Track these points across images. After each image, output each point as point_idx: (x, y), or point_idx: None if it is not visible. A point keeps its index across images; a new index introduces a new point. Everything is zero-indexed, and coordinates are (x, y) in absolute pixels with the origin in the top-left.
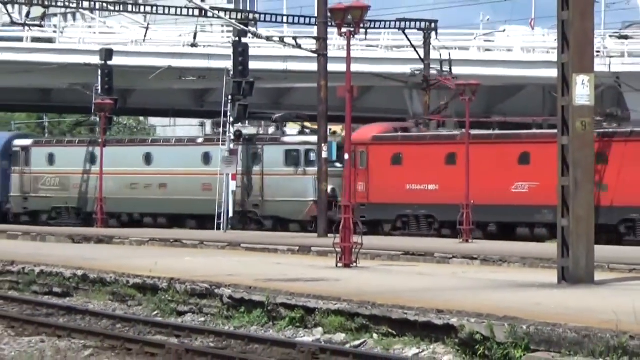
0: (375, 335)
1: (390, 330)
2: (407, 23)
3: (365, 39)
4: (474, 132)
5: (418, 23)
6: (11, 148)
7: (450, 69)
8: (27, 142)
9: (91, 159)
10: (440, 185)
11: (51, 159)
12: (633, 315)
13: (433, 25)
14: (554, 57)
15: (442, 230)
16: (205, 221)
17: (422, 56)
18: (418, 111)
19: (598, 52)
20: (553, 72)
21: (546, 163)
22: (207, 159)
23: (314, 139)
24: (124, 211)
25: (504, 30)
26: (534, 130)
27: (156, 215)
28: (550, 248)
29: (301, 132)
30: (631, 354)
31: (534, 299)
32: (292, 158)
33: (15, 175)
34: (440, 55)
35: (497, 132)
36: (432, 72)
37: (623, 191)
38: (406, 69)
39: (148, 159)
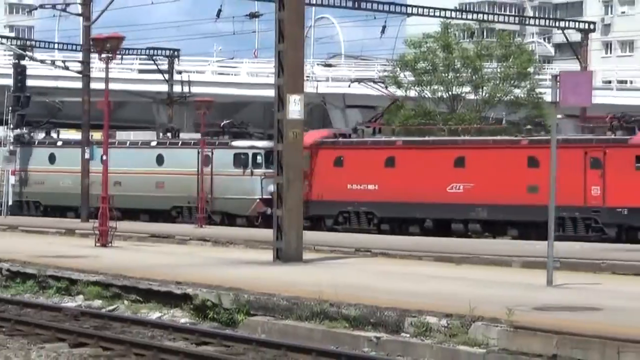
0: (126, 302)
1: (138, 298)
2: (155, 51)
3: (121, 63)
4: (414, 138)
5: (164, 51)
6: None
7: (190, 88)
8: None
9: None
10: (380, 185)
11: None
12: (333, 287)
13: (176, 53)
14: (272, 80)
15: (381, 225)
16: None
17: (167, 78)
18: (163, 122)
19: (308, 76)
20: (272, 92)
21: (480, 166)
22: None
23: (260, 144)
24: None
25: (233, 58)
26: (470, 137)
27: None
28: (268, 232)
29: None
30: (330, 318)
31: (254, 273)
32: (240, 160)
33: None
34: (182, 77)
35: (434, 138)
36: (175, 90)
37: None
38: (154, 87)
39: None
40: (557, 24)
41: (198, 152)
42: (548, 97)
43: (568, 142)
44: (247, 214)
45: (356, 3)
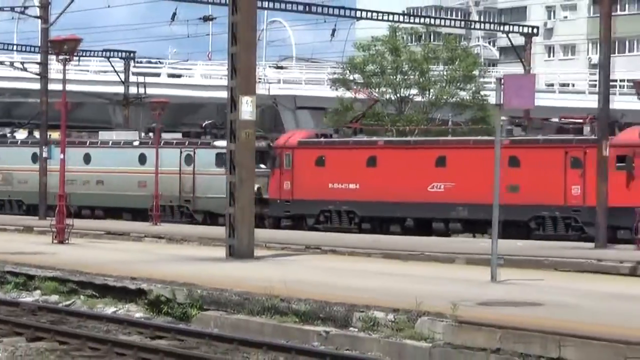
0: (82, 297)
1: (94, 293)
2: (112, 53)
3: (79, 64)
4: (396, 138)
5: (120, 53)
6: None
7: (145, 89)
8: None
9: None
10: (361, 185)
11: None
12: (283, 283)
13: (132, 55)
14: (225, 82)
15: (362, 224)
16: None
17: (123, 79)
18: (119, 122)
19: (260, 79)
20: (225, 94)
21: (461, 166)
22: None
23: None
24: None
25: (187, 60)
26: (450, 137)
27: None
28: (221, 230)
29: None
30: (281, 313)
31: (207, 269)
32: (222, 160)
33: None
34: (137, 78)
35: (416, 138)
36: (131, 91)
37: (533, 191)
38: (110, 89)
39: None
40: (501, 29)
41: (180, 152)
42: (493, 100)
43: (549, 142)
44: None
45: (307, 7)
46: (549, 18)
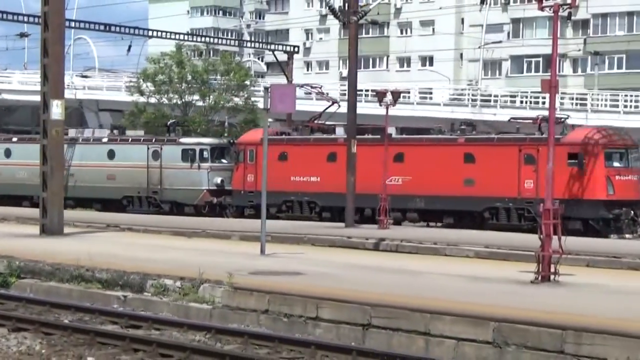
0: None
1: None
2: None
3: None
4: (360, 136)
5: None
6: None
7: None
8: None
9: None
10: (322, 178)
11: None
12: (88, 255)
13: None
14: (39, 87)
15: (322, 213)
16: None
17: None
18: None
19: (68, 85)
20: (38, 98)
21: (417, 161)
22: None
23: (206, 140)
24: None
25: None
26: (407, 136)
27: None
28: (36, 211)
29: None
30: (86, 280)
31: (24, 244)
32: (188, 155)
33: None
34: None
35: (376, 136)
36: None
37: (487, 184)
38: None
39: None
40: (268, 47)
41: (148, 148)
42: (261, 105)
43: (504, 140)
44: (194, 203)
45: (107, 26)
46: (307, 39)
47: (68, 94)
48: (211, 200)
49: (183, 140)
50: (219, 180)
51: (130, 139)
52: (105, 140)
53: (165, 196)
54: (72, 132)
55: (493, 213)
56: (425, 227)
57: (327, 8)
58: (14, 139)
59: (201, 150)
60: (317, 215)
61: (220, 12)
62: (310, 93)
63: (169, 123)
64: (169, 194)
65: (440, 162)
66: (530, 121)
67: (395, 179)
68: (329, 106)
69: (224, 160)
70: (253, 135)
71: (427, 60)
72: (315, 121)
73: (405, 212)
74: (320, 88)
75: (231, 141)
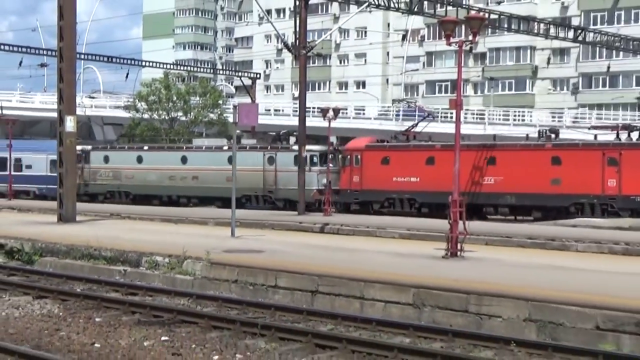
0: None
1: None
2: None
3: None
4: (450, 143)
5: None
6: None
7: (2, 111)
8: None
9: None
10: (421, 178)
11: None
12: (96, 238)
13: None
14: (56, 106)
15: (421, 209)
16: None
17: None
18: None
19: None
20: (55, 114)
21: (509, 163)
22: None
23: (316, 147)
24: None
25: (30, 92)
26: (499, 142)
27: None
28: (54, 204)
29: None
30: (94, 258)
31: (45, 230)
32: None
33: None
34: None
35: (470, 143)
36: None
37: (573, 183)
38: None
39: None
40: (236, 74)
41: (264, 155)
42: (231, 119)
43: (589, 145)
44: (307, 200)
45: (109, 58)
46: (267, 68)
47: (79, 111)
48: (320, 198)
49: (296, 147)
50: (326, 180)
51: (247, 147)
52: (225, 148)
53: (280, 195)
54: (196, 142)
55: (578, 208)
56: (514, 221)
57: (282, 44)
58: (145, 147)
59: (311, 156)
60: (416, 210)
61: (199, 47)
62: (409, 107)
63: (281, 133)
64: (283, 193)
65: (530, 164)
66: (610, 130)
67: (489, 179)
68: (424, 117)
69: (331, 165)
70: (358, 143)
71: (361, 84)
72: (412, 130)
73: (497, 207)
74: (414, 103)
75: (337, 148)
